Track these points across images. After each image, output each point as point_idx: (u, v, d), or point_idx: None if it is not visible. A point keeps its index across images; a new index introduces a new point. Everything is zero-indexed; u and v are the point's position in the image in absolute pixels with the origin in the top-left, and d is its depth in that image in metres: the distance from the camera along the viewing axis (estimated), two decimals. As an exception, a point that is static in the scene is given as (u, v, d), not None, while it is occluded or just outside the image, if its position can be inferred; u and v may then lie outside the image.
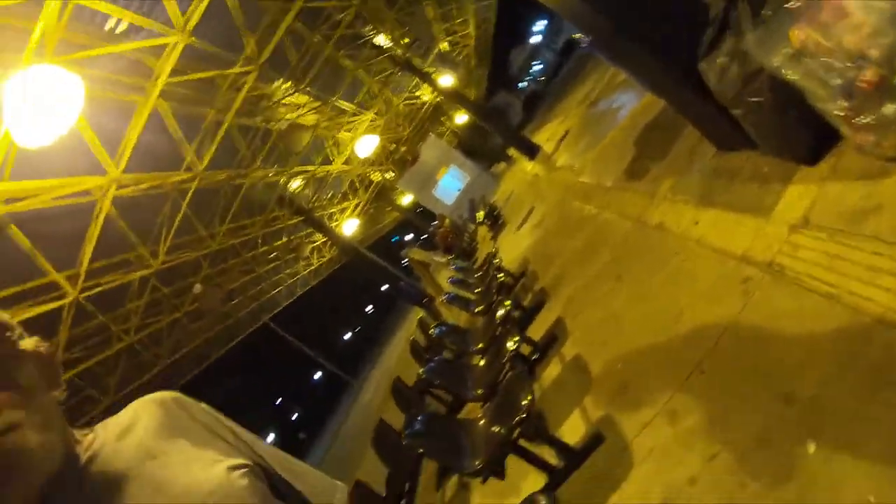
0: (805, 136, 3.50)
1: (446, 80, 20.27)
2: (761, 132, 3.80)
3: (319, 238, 25.91)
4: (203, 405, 1.36)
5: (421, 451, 3.77)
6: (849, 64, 2.65)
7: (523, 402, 3.60)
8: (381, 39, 18.29)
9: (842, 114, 2.82)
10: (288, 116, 15.41)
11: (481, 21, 30.71)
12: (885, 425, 2.05)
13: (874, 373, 2.27)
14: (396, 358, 19.80)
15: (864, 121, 2.75)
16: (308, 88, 15.74)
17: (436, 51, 17.90)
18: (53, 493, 1.07)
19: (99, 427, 1.24)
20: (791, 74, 2.96)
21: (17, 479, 1.03)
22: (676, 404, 3.30)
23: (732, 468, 2.59)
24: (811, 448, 2.26)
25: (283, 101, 15.63)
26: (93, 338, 12.88)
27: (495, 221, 17.84)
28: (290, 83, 15.12)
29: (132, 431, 1.20)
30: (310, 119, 17.71)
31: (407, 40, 18.79)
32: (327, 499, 1.40)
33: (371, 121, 23.80)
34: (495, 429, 3.77)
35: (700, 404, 3.11)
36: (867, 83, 2.63)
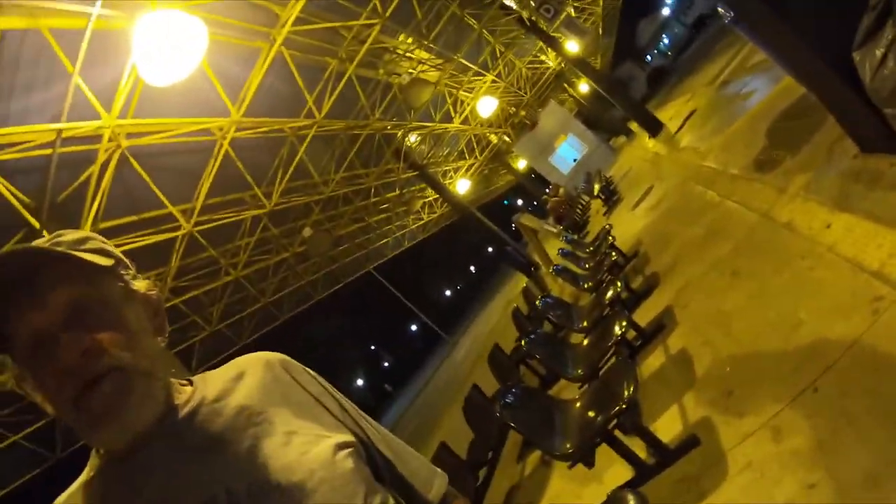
0: None
1: (572, 46, 19.78)
2: None
3: (431, 194, 26.13)
4: (311, 372, 1.31)
5: (511, 424, 3.71)
6: None
7: (625, 393, 3.50)
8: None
9: None
10: (410, 71, 15.40)
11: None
12: None
13: None
14: (494, 323, 19.83)
15: None
16: (431, 45, 15.68)
17: (563, 16, 17.37)
18: (150, 442, 1.07)
19: (198, 379, 1.22)
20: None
21: (117, 423, 1.02)
22: (783, 420, 3.13)
23: (831, 502, 2.42)
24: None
25: (406, 55, 15.64)
26: (202, 269, 13.54)
27: (610, 196, 17.46)
28: (413, 38, 15.10)
29: (235, 391, 1.18)
30: (432, 76, 17.71)
31: (534, 3, 18.36)
32: (427, 485, 1.35)
33: (492, 82, 23.60)
34: (591, 414, 3.69)
35: (808, 425, 2.92)
36: None
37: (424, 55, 16.71)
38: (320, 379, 1.31)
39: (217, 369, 1.25)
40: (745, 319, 4.42)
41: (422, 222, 29.50)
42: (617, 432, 3.64)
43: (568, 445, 3.58)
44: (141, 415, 1.05)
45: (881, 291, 3.20)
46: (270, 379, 1.22)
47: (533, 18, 19.53)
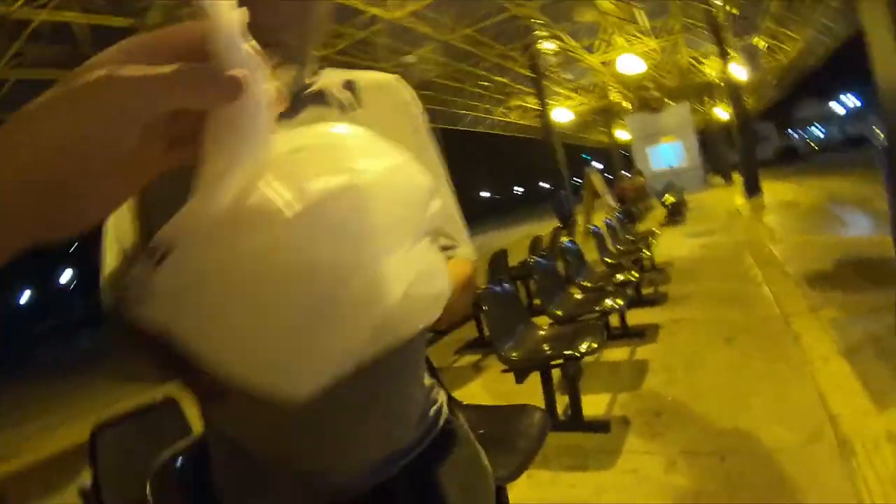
0: None
1: (738, 71, 19.26)
2: None
3: (531, 102, 25.86)
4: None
5: (483, 308, 4.10)
6: None
7: (582, 347, 3.88)
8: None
9: None
10: None
11: (809, 46, 28.55)
12: None
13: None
14: (509, 243, 20.21)
15: None
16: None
17: (750, 39, 16.79)
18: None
19: (327, 71, 1.17)
20: None
21: None
22: (681, 460, 3.55)
23: None
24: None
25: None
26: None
27: (674, 214, 17.49)
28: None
29: (352, 107, 1.11)
30: (605, 4, 17.29)
31: (735, 10, 17.73)
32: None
33: (651, 49, 23.03)
34: (546, 346, 4.07)
35: (695, 480, 3.32)
36: None
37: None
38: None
39: (343, 71, 1.20)
40: (709, 376, 4.83)
41: (507, 119, 29.25)
42: (555, 372, 4.04)
43: (514, 354, 3.97)
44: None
45: (824, 432, 3.52)
46: (393, 112, 1.18)
47: (721, 22, 18.96)
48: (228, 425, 1.12)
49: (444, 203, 1.01)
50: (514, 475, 2.38)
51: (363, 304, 0.57)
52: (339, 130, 0.62)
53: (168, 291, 0.54)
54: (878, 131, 6.96)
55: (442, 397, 1.29)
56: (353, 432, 1.07)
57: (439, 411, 1.25)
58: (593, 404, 4.54)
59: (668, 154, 32.05)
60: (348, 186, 0.55)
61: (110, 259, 1.02)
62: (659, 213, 19.18)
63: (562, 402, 4.41)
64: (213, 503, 1.16)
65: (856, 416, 3.62)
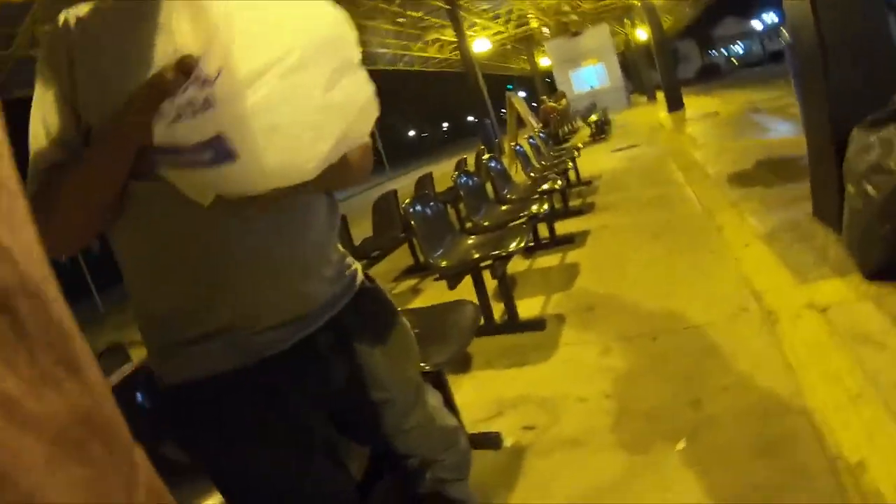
0: (883, 254, 3.37)
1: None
2: (852, 227, 3.69)
3: (449, 36, 25.48)
4: None
5: (412, 222, 4.08)
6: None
7: (511, 245, 3.92)
8: None
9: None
10: None
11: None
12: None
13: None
14: (438, 175, 20.17)
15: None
16: None
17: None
18: None
19: None
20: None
21: None
22: (614, 345, 3.64)
23: (613, 417, 2.90)
24: (680, 445, 2.51)
25: None
26: None
27: (599, 133, 17.67)
28: None
29: None
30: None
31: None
32: None
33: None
34: (475, 252, 4.08)
35: (629, 360, 3.41)
36: None
37: None
38: None
39: None
40: (637, 270, 4.94)
41: (424, 55, 28.78)
42: (486, 273, 4.07)
43: (444, 262, 3.97)
44: None
45: (750, 306, 3.64)
46: None
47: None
48: (152, 289, 1.23)
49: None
50: (449, 361, 2.41)
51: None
52: None
53: (226, 100, 0.87)
54: (783, 31, 7.07)
55: (357, 265, 1.44)
56: (273, 290, 1.21)
57: (354, 275, 1.41)
58: (528, 307, 4.60)
59: (590, 76, 32.30)
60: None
61: (37, 143, 1.12)
62: (584, 133, 19.36)
63: (498, 308, 4.46)
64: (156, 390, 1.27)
65: (779, 290, 3.75)
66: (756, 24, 73.35)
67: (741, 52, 75.48)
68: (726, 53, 76.71)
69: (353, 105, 1.00)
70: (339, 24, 1.01)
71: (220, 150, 0.89)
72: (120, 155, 1.04)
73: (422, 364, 1.91)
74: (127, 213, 1.15)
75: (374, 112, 1.07)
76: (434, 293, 5.55)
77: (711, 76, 51.98)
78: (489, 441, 2.82)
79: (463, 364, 3.93)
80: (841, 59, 3.99)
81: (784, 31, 6.37)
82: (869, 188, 3.38)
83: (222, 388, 1.21)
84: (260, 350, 1.21)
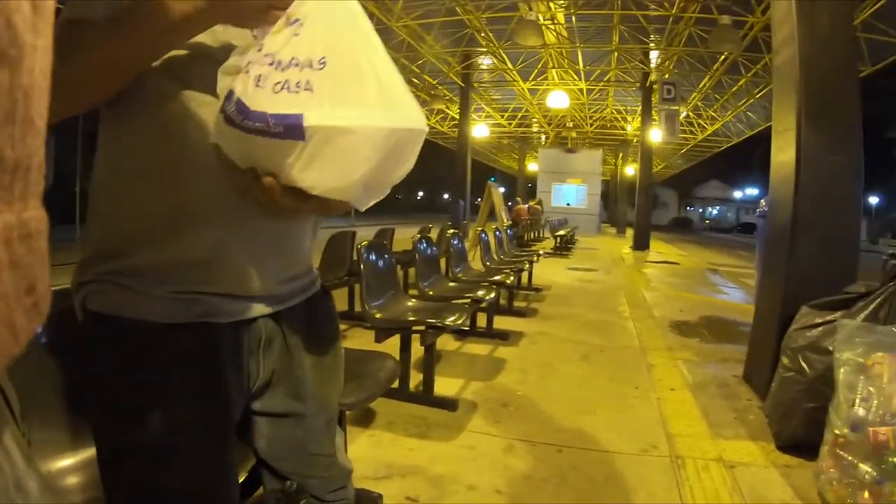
0: (801, 429, 3.44)
1: (654, 134, 19.90)
2: (777, 396, 3.76)
3: (453, 111, 26.04)
4: None
5: (362, 266, 4.05)
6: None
7: (448, 320, 3.91)
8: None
9: (836, 448, 2.80)
10: (538, 14, 15.06)
11: (724, 129, 29.82)
12: None
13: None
14: (399, 237, 20.27)
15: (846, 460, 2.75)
16: (572, 14, 15.85)
17: (674, 107, 17.37)
18: None
19: None
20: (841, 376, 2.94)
21: None
22: (519, 446, 3.61)
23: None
24: None
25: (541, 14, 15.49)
26: None
27: (562, 248, 18.00)
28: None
29: None
30: (549, 37, 17.52)
31: (668, 75, 18.35)
32: None
33: (578, 90, 23.65)
34: (411, 314, 4.06)
35: (529, 464, 3.38)
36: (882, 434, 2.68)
37: (560, 17, 16.58)
38: None
39: None
40: (561, 382, 4.94)
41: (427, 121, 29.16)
42: (416, 337, 4.05)
43: (379, 314, 3.93)
44: None
45: (660, 447, 3.66)
46: None
47: (650, 85, 19.66)
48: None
49: None
50: (357, 405, 2.46)
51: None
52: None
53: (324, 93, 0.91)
54: (763, 203, 7.37)
55: (318, 275, 1.50)
56: (246, 257, 1.19)
57: (315, 280, 1.46)
58: (445, 385, 4.55)
59: (570, 194, 33.05)
60: None
61: None
62: (548, 244, 19.67)
63: (416, 378, 4.41)
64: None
65: (693, 438, 3.79)
66: (737, 194, 76.37)
67: (716, 214, 78.28)
68: (701, 212, 79.48)
69: (402, 170, 1.08)
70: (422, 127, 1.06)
71: (295, 128, 0.90)
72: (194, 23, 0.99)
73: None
74: (142, 108, 1.09)
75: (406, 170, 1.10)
76: (360, 342, 5.48)
77: (683, 229, 53.84)
78: (369, 500, 2.73)
79: (364, 418, 3.86)
80: (809, 243, 4.21)
81: (763, 202, 6.62)
82: (803, 364, 3.50)
83: (160, 337, 1.10)
84: (209, 312, 1.15)
